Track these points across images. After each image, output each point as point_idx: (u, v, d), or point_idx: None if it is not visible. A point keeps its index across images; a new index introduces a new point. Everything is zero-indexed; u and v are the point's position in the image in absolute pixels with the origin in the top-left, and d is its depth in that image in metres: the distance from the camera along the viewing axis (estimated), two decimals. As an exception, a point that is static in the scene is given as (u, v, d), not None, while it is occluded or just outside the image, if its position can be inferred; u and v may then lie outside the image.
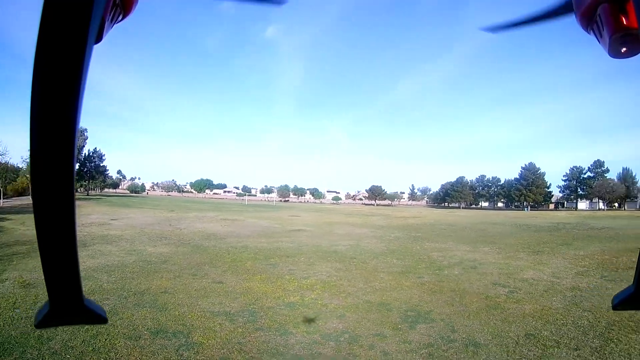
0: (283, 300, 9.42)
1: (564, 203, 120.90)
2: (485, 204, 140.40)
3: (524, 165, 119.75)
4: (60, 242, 0.62)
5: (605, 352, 6.67)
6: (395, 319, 8.37)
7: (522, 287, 11.49)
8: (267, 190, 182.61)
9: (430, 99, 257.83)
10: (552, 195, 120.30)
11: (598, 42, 0.86)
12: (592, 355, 6.53)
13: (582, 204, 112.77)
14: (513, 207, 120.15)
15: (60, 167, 0.58)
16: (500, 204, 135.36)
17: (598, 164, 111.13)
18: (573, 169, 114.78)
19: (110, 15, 0.75)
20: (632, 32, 0.77)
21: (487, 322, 8.32)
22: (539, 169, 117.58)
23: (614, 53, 0.82)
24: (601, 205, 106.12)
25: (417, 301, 9.85)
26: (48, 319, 0.68)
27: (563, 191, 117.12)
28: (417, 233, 28.89)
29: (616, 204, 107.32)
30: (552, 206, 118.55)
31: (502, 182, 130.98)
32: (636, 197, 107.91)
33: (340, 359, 6.26)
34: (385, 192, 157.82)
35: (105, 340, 6.38)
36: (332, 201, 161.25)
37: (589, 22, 0.86)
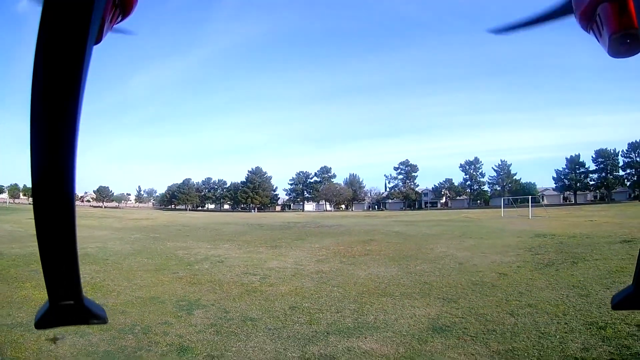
0: (62, 304, 9.20)
1: (290, 205, 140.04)
2: (212, 206, 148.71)
3: (250, 169, 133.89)
4: (60, 242, 0.68)
5: (364, 311, 8.92)
6: (171, 309, 9.42)
7: (271, 274, 13.44)
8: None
9: (163, 97, 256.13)
10: (279, 198, 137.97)
11: (598, 42, 0.93)
12: (352, 314, 8.64)
13: (309, 206, 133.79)
14: (239, 209, 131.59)
15: (60, 167, 0.63)
16: (226, 206, 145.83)
17: (325, 169, 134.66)
18: (299, 174, 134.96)
19: (110, 15, 0.81)
20: (632, 31, 0.83)
21: (253, 302, 9.79)
22: (265, 172, 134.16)
23: (614, 53, 0.89)
24: (328, 207, 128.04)
25: (182, 293, 11.00)
26: (48, 319, 0.74)
27: (290, 194, 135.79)
28: (155, 234, 30.21)
29: (343, 206, 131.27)
30: (278, 208, 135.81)
31: (229, 184, 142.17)
32: (363, 200, 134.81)
33: (146, 346, 7.07)
34: (113, 193, 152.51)
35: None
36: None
37: (588, 21, 0.94)
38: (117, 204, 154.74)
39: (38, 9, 0.56)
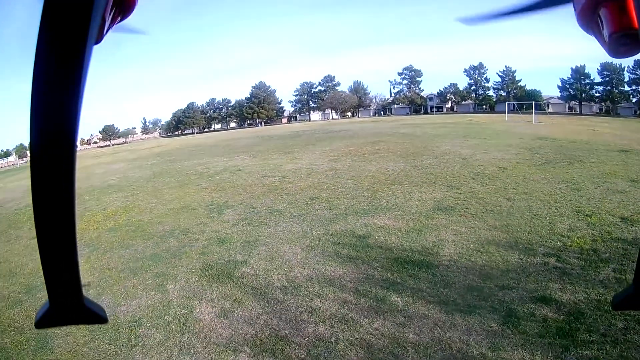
0: (103, 227, 10.55)
1: (296, 116, 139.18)
2: (218, 126, 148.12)
3: (254, 85, 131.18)
4: (60, 242, 0.68)
5: (377, 196, 9.96)
6: (204, 212, 10.55)
7: (289, 175, 14.40)
8: (5, 154, 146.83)
9: (158, 23, 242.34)
10: (285, 110, 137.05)
11: (598, 42, 0.93)
12: (366, 200, 9.67)
13: (315, 116, 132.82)
14: (246, 125, 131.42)
15: (60, 167, 0.64)
16: (233, 124, 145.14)
17: (328, 78, 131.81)
18: (304, 84, 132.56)
19: (110, 15, 0.81)
20: (632, 32, 0.82)
21: (276, 198, 10.84)
22: (269, 86, 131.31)
23: (614, 53, 0.89)
24: (334, 115, 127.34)
25: (209, 199, 12.08)
26: (48, 318, 0.73)
27: (295, 105, 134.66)
28: (171, 157, 30.46)
29: (349, 114, 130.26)
30: (285, 120, 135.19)
31: (233, 102, 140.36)
32: (369, 106, 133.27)
33: (188, 243, 8.18)
34: (119, 130, 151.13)
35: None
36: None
37: (588, 21, 0.93)
38: (123, 140, 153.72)
39: (38, 9, 0.56)
